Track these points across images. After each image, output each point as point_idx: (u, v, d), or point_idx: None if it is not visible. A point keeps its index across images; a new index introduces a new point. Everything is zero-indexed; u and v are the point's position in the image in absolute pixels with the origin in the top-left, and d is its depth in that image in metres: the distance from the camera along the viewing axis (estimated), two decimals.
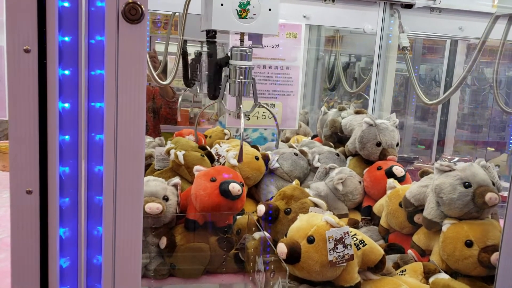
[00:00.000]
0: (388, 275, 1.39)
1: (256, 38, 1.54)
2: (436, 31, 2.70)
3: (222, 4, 1.41)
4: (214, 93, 1.58)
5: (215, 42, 1.52)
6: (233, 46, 1.53)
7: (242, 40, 1.52)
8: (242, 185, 1.54)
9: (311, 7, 2.39)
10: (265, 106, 1.75)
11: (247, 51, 1.51)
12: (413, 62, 3.46)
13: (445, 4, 2.44)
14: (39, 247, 0.95)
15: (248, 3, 1.41)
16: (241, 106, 1.53)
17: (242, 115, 1.52)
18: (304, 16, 2.38)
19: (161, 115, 3.47)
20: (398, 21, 2.48)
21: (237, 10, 1.42)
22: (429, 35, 3.16)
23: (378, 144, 2.00)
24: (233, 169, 1.74)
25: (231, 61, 1.53)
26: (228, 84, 1.57)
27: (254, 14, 1.42)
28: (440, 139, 3.71)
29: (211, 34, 1.49)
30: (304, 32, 2.26)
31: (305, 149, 2.15)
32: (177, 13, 1.61)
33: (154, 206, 1.48)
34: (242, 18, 1.42)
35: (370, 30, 2.55)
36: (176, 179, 1.63)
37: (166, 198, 1.55)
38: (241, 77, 1.51)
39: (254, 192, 2.01)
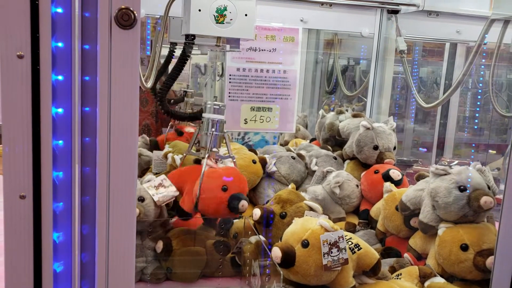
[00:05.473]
0: (383, 279, 1.39)
1: (234, 42, 1.61)
2: (434, 34, 2.70)
3: (199, 10, 1.47)
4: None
5: (192, 45, 1.57)
6: (207, 102, 1.60)
7: (218, 44, 1.58)
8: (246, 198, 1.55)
9: (308, 11, 2.40)
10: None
11: (220, 105, 1.59)
12: (412, 65, 3.46)
13: (441, 7, 2.44)
14: (32, 252, 0.96)
15: (225, 9, 1.47)
16: (208, 153, 1.58)
17: (205, 161, 1.56)
18: (301, 20, 2.39)
19: (164, 119, 3.47)
20: (395, 24, 2.49)
21: (214, 15, 1.47)
22: (427, 39, 3.16)
23: (375, 147, 2.00)
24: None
25: (204, 114, 1.59)
26: (200, 136, 1.64)
27: (231, 19, 1.49)
28: (440, 142, 3.70)
29: (190, 38, 1.54)
30: (302, 36, 2.26)
31: (302, 152, 2.15)
32: (170, 17, 1.64)
33: None
34: (219, 23, 1.47)
35: (367, 34, 2.56)
36: (149, 176, 1.63)
37: (141, 199, 1.54)
38: (213, 130, 1.57)
39: (251, 196, 2.01)
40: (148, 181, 1.61)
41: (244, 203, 1.50)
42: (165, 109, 1.64)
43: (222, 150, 1.98)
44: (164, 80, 1.65)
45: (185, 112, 1.67)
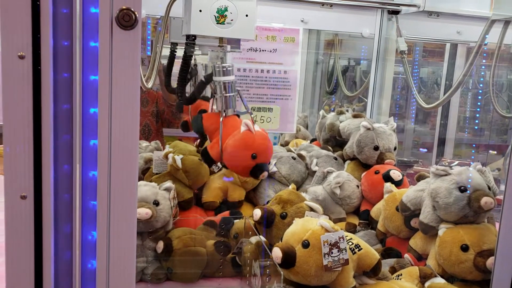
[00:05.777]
0: (384, 280, 1.39)
1: (235, 42, 1.61)
2: (435, 35, 2.71)
3: (200, 10, 1.47)
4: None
5: (193, 45, 1.58)
6: (215, 64, 1.61)
7: (221, 45, 1.58)
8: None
9: (309, 11, 2.41)
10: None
11: (227, 66, 1.58)
12: (413, 66, 3.46)
13: (442, 8, 2.45)
14: (33, 252, 0.96)
15: (226, 10, 1.47)
16: (222, 118, 1.57)
17: (221, 126, 1.55)
18: (302, 21, 2.40)
19: (164, 119, 3.47)
20: (396, 25, 2.49)
21: (215, 16, 1.47)
22: (427, 39, 3.17)
23: (376, 148, 2.00)
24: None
25: (214, 78, 1.59)
26: (214, 99, 1.63)
27: (232, 20, 1.48)
28: (440, 142, 3.70)
29: (191, 38, 1.55)
30: (302, 36, 2.27)
31: (303, 152, 2.15)
32: (171, 17, 1.64)
33: (143, 212, 1.48)
34: (220, 23, 1.47)
35: (368, 34, 2.56)
36: (168, 183, 1.63)
37: (156, 203, 1.55)
38: (224, 92, 1.56)
39: (252, 197, 2.01)
40: (166, 189, 1.63)
41: (265, 174, 1.55)
42: (190, 99, 1.67)
43: None
44: (177, 83, 1.66)
45: (200, 80, 1.66)
